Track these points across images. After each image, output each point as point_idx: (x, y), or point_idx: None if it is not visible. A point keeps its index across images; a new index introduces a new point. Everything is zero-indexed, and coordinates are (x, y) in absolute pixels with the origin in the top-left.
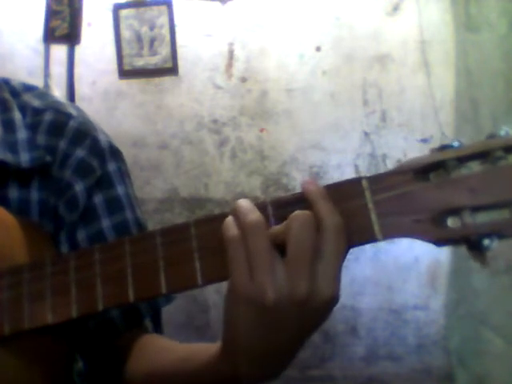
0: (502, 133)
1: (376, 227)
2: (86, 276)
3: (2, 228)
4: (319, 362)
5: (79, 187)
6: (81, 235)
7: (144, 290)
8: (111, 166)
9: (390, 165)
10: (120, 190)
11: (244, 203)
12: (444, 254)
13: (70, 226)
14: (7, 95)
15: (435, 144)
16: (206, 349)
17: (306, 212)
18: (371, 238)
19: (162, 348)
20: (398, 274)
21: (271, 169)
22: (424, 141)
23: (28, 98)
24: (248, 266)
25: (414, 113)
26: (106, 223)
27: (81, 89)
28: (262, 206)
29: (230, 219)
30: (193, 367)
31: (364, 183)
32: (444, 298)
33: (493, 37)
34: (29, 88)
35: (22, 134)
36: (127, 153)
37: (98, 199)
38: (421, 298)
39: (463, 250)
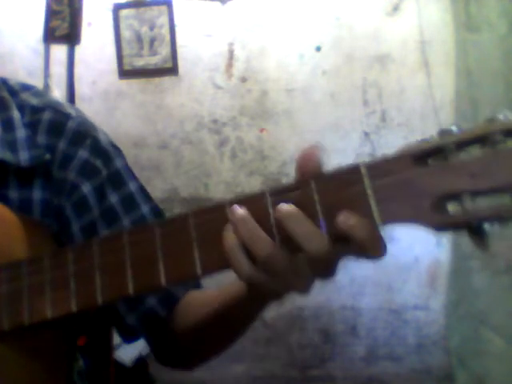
0: (501, 116)
1: (375, 213)
2: (85, 269)
3: (3, 226)
4: (319, 362)
5: (86, 188)
6: None
7: (143, 282)
8: (119, 163)
9: None
10: (132, 185)
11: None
12: (444, 254)
13: (88, 228)
14: (5, 94)
15: None
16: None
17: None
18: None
19: (203, 298)
20: (398, 274)
21: (271, 169)
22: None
23: (26, 96)
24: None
25: (413, 113)
26: (126, 222)
27: (81, 89)
28: (259, 196)
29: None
30: (230, 303)
31: (363, 169)
32: (444, 298)
33: (493, 37)
34: (26, 87)
35: (20, 133)
36: (127, 153)
37: (114, 199)
38: (421, 298)
39: (463, 250)
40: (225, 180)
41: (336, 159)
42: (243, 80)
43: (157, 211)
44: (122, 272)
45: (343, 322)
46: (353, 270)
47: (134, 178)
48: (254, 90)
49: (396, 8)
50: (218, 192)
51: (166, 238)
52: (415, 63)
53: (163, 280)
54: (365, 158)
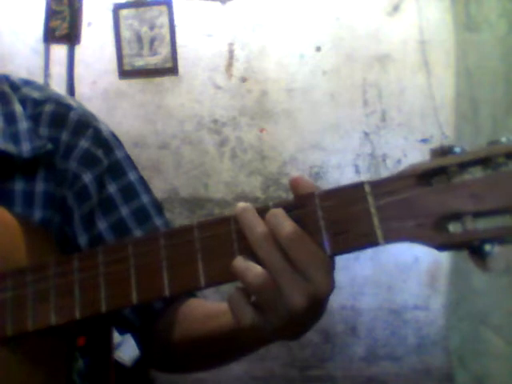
0: (504, 139)
1: (378, 232)
2: (90, 277)
3: (4, 231)
4: (319, 362)
5: (88, 178)
6: (103, 225)
7: (147, 292)
8: (119, 154)
9: (390, 165)
10: (132, 175)
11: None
12: (444, 254)
13: (87, 217)
14: (7, 89)
15: (435, 144)
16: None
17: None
18: (373, 243)
19: (202, 310)
20: (398, 274)
21: (271, 169)
22: (424, 141)
23: (27, 90)
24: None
25: (413, 113)
26: (125, 211)
27: (81, 89)
28: (263, 209)
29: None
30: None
31: (366, 188)
32: (444, 298)
33: (493, 37)
34: (27, 82)
35: (23, 125)
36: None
37: (112, 189)
38: (421, 298)
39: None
40: (225, 180)
41: (336, 159)
42: (243, 80)
43: (157, 203)
44: (126, 282)
45: (343, 322)
46: (353, 270)
47: (135, 168)
48: (253, 89)
49: (396, 8)
50: (217, 192)
51: (170, 249)
52: (415, 63)
53: (167, 290)
54: (365, 158)
